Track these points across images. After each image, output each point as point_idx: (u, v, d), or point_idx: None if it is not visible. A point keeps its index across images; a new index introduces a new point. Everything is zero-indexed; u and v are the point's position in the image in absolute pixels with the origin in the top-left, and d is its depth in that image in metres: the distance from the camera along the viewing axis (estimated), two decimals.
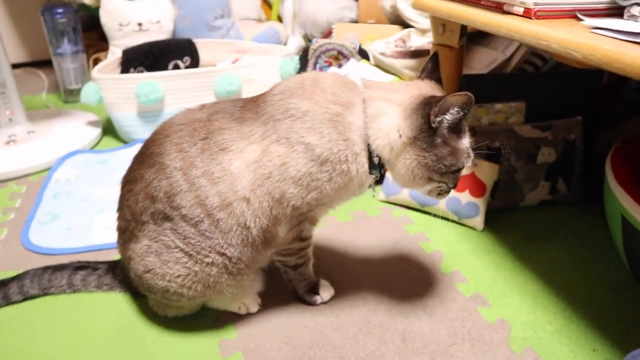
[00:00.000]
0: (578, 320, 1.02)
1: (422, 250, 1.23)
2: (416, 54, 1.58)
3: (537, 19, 0.97)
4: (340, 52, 1.85)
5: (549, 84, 1.40)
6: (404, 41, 1.75)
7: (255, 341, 0.98)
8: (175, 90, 1.77)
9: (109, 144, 1.87)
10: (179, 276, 0.91)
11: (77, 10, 2.24)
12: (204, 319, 1.03)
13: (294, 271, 1.03)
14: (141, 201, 0.92)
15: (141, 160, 0.94)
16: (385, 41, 1.76)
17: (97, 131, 1.89)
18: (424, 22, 1.76)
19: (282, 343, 0.97)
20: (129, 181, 0.96)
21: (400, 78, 1.61)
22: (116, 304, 1.07)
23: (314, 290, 1.06)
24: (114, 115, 1.80)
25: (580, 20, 0.95)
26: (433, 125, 0.82)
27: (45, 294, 1.09)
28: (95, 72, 1.81)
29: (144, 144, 0.96)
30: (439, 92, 0.90)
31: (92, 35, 2.67)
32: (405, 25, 1.90)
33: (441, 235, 1.29)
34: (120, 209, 1.00)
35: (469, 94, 0.79)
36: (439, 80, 0.94)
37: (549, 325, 1.01)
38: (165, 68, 2.01)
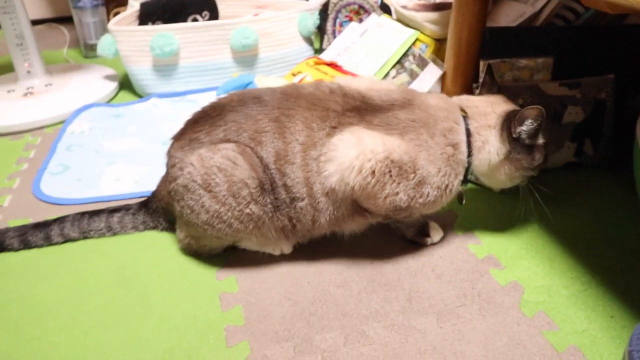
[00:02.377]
0: (597, 286, 0.97)
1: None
2: (439, 6, 1.50)
3: None
4: (361, 6, 1.78)
5: (580, 38, 1.31)
6: None
7: (256, 295, 0.95)
8: (191, 44, 1.73)
9: (125, 98, 1.85)
10: (240, 211, 0.93)
11: None
12: (206, 271, 1.02)
13: (401, 223, 1.05)
14: (239, 133, 0.93)
15: (260, 106, 0.95)
16: None
17: (114, 85, 1.87)
18: None
19: (283, 298, 0.95)
20: (234, 108, 0.96)
21: (421, 32, 1.54)
22: (120, 255, 1.06)
23: (424, 232, 1.08)
24: (130, 68, 1.77)
25: None
26: (515, 137, 0.95)
27: (85, 238, 1.11)
28: (111, 24, 1.78)
29: (280, 91, 0.98)
30: (512, 105, 1.02)
31: None
32: None
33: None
34: (205, 120, 0.98)
35: (540, 108, 0.92)
36: (499, 91, 1.06)
37: (565, 290, 0.96)
38: (184, 22, 1.97)
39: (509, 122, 0.95)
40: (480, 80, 1.23)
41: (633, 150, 1.10)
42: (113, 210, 1.12)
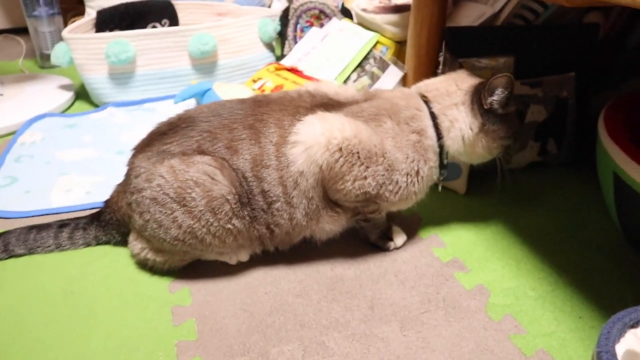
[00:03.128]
0: (564, 286, 0.94)
1: (399, 212, 1.14)
2: (399, 9, 1.48)
3: None
4: (321, 11, 1.75)
5: (541, 37, 1.30)
6: None
7: (211, 307, 0.90)
8: (148, 51, 1.67)
9: (81, 108, 1.78)
10: (219, 227, 0.90)
11: None
12: (158, 283, 0.96)
13: (367, 223, 1.01)
14: (214, 143, 0.91)
15: (233, 115, 0.94)
16: None
17: (69, 95, 1.80)
18: None
19: (239, 310, 0.89)
20: (207, 118, 0.94)
21: (381, 34, 1.52)
22: (66, 269, 1.00)
23: (387, 236, 1.04)
24: (85, 77, 1.70)
25: None
26: (487, 108, 0.94)
27: (31, 253, 1.03)
28: (65, 32, 1.71)
29: (251, 99, 0.98)
30: (476, 78, 1.00)
31: None
32: None
33: (432, 190, 1.20)
34: (174, 132, 0.94)
35: (509, 75, 0.91)
36: (461, 67, 1.05)
37: (532, 292, 0.93)
38: None
39: (478, 95, 0.94)
40: (441, 58, 1.22)
41: (596, 147, 1.08)
42: (62, 225, 1.05)
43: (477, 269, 0.99)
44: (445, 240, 1.06)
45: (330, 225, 0.95)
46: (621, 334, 0.59)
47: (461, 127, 0.95)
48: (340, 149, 0.87)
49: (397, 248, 1.03)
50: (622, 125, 1.04)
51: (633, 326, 0.60)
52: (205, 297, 0.92)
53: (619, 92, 1.46)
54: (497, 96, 0.93)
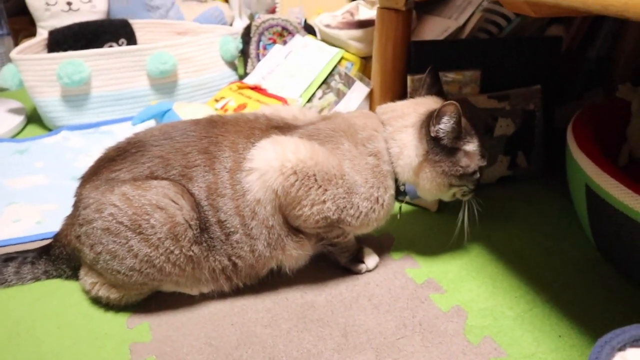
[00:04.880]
0: (542, 304, 0.91)
1: (369, 233, 1.10)
2: (362, 24, 1.45)
3: None
4: (284, 28, 1.72)
5: (506, 50, 1.29)
6: (352, 14, 1.62)
7: (172, 343, 0.83)
8: (103, 71, 1.60)
9: (34, 132, 1.69)
10: (179, 254, 0.84)
11: None
12: (115, 319, 0.89)
13: (334, 247, 0.97)
14: (168, 169, 0.85)
15: (187, 138, 0.89)
16: (332, 14, 1.63)
17: (20, 119, 1.71)
18: None
19: (203, 344, 0.83)
20: (159, 142, 0.88)
21: (346, 50, 1.49)
22: (13, 307, 0.92)
23: (358, 258, 0.99)
24: (36, 99, 1.62)
25: None
26: (433, 135, 0.87)
27: None
28: (14, 53, 1.63)
29: (205, 120, 0.93)
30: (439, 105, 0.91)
31: (22, 19, 2.46)
32: None
33: (392, 216, 1.16)
34: (123, 158, 0.88)
35: (454, 102, 0.84)
36: (440, 93, 0.98)
37: (510, 311, 0.90)
38: None
39: (428, 120, 0.88)
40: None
41: (565, 159, 1.07)
42: (8, 259, 0.97)
43: (452, 289, 0.95)
44: (419, 261, 1.02)
45: (297, 251, 0.90)
46: (610, 358, 0.56)
47: (409, 153, 0.89)
48: (295, 172, 0.82)
49: (369, 270, 0.99)
50: (591, 136, 1.02)
51: (621, 349, 0.57)
52: (166, 332, 0.86)
53: (582, 104, 1.46)
54: (444, 125, 0.86)
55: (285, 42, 1.70)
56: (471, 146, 0.90)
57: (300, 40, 1.61)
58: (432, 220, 1.16)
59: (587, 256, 1.03)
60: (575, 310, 0.90)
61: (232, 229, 0.85)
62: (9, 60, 2.05)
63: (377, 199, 0.89)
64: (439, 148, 0.88)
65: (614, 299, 0.92)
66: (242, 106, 1.47)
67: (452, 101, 0.84)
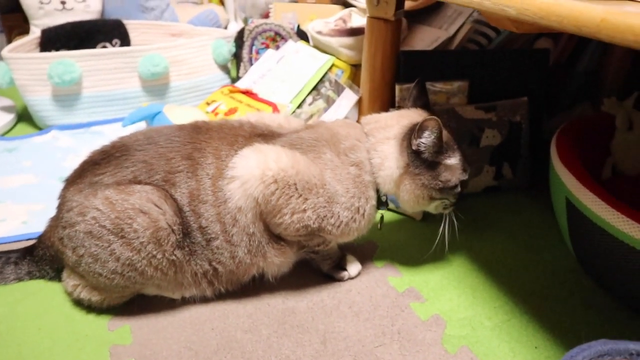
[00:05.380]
0: (520, 314, 0.92)
1: (352, 241, 1.11)
2: (354, 32, 1.46)
3: None
4: (277, 33, 1.73)
5: (494, 62, 1.31)
6: (344, 21, 1.63)
7: (152, 346, 0.84)
8: (95, 72, 1.61)
9: (24, 131, 1.69)
10: (162, 259, 0.84)
11: None
12: (96, 321, 0.89)
13: (317, 254, 0.97)
14: (151, 174, 0.86)
15: (171, 143, 0.89)
16: (324, 21, 1.64)
17: (10, 117, 1.71)
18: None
19: (182, 348, 0.84)
20: (143, 147, 0.89)
21: (337, 57, 1.50)
22: None
23: (340, 266, 1.00)
24: (27, 98, 1.62)
25: None
26: (414, 148, 0.87)
27: None
28: (5, 51, 1.63)
29: (190, 126, 0.93)
30: (423, 118, 0.91)
31: (17, 16, 2.46)
32: (346, 5, 1.79)
33: (374, 225, 1.17)
34: (107, 161, 0.88)
35: (435, 118, 0.85)
36: (425, 106, 0.98)
37: (488, 321, 0.91)
38: None
39: (410, 133, 0.88)
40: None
41: (549, 170, 1.08)
42: None
43: (433, 298, 0.96)
44: (401, 269, 1.03)
45: (279, 258, 0.91)
46: None
47: (390, 165, 0.90)
48: (276, 181, 0.83)
49: (351, 278, 1.00)
50: (574, 150, 1.04)
51: None
52: (147, 336, 0.86)
53: (569, 117, 1.48)
54: (425, 139, 0.86)
55: (277, 47, 1.71)
56: (452, 160, 0.90)
57: (293, 46, 1.62)
58: (416, 229, 1.17)
59: (567, 268, 1.04)
60: (553, 321, 0.91)
61: (213, 235, 0.86)
62: (1, 58, 2.06)
63: (358, 208, 0.90)
64: (419, 161, 0.89)
65: (592, 312, 0.93)
66: (233, 110, 1.47)
67: (433, 117, 0.85)
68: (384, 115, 0.97)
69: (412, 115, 0.95)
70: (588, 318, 0.92)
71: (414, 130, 0.88)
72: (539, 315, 0.92)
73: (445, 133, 0.89)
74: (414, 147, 0.88)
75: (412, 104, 0.99)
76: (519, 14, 0.70)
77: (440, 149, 0.89)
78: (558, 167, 1.00)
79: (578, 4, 0.62)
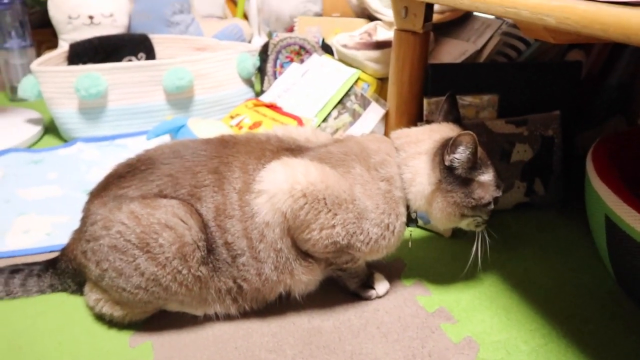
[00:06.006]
0: (557, 338, 0.88)
1: (379, 259, 1.08)
2: (380, 45, 1.44)
3: None
4: (302, 47, 1.72)
5: (524, 75, 1.27)
6: (369, 35, 1.62)
7: None
8: (120, 85, 1.61)
9: (50, 143, 1.70)
10: (187, 274, 0.82)
11: (24, 3, 2.08)
12: (117, 337, 0.87)
13: (344, 272, 0.94)
14: (177, 189, 0.84)
15: (197, 157, 0.87)
16: (350, 34, 1.62)
17: (37, 129, 1.72)
18: (392, 15, 1.62)
19: None
20: (169, 161, 0.87)
21: (363, 71, 1.48)
22: (16, 319, 0.91)
23: (368, 284, 0.97)
24: (54, 111, 1.63)
25: None
26: (447, 164, 0.85)
27: None
28: (34, 64, 1.64)
29: (216, 139, 0.92)
30: (456, 133, 0.88)
31: (46, 31, 2.50)
32: (372, 18, 1.78)
33: (403, 242, 1.14)
34: (133, 175, 0.87)
35: (471, 133, 0.82)
36: (457, 120, 0.96)
37: (524, 345, 0.86)
38: None
39: (443, 149, 0.86)
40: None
41: (584, 188, 1.04)
42: (14, 271, 0.96)
43: (464, 319, 0.92)
44: (430, 288, 1.00)
45: (307, 276, 0.88)
46: None
47: (422, 180, 0.87)
48: (305, 195, 0.81)
49: (379, 297, 0.96)
50: (611, 165, 1.00)
51: None
52: (169, 353, 0.84)
53: (601, 131, 1.43)
54: (459, 154, 0.84)
55: (302, 61, 1.70)
56: (486, 177, 0.88)
57: (318, 60, 1.61)
58: (445, 246, 1.13)
59: (606, 289, 1.00)
60: (593, 347, 0.86)
61: (239, 251, 0.83)
62: (30, 71, 2.09)
63: (388, 225, 0.87)
64: (452, 177, 0.86)
65: (636, 337, 0.88)
66: (257, 124, 1.46)
67: (469, 131, 0.82)
68: (414, 129, 0.94)
69: (443, 130, 0.92)
70: (631, 344, 0.87)
71: (447, 145, 0.85)
72: (578, 340, 0.87)
73: (479, 149, 0.86)
74: (446, 163, 0.85)
75: (443, 118, 0.96)
76: (559, 23, 0.67)
77: (474, 165, 0.86)
78: (596, 183, 0.96)
79: (625, 10, 0.58)
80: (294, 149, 0.91)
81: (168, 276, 0.81)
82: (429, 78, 1.24)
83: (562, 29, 0.67)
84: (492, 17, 1.53)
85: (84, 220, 0.88)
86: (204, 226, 0.83)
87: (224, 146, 0.89)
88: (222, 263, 0.84)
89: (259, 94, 1.82)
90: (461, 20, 1.50)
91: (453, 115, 0.96)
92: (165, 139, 1.55)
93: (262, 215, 0.82)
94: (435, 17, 1.43)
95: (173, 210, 0.81)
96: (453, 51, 1.42)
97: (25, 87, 1.62)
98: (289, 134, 0.96)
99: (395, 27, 1.23)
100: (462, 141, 0.84)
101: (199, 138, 0.95)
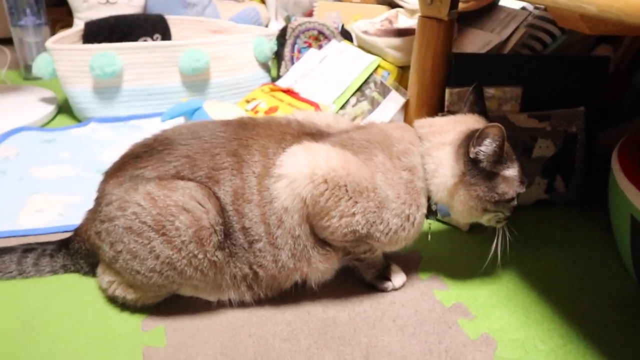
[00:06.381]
0: (577, 340, 0.86)
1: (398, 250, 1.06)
2: (402, 32, 1.41)
3: None
4: (320, 32, 1.69)
5: (550, 68, 1.24)
6: (390, 22, 1.58)
7: (187, 350, 0.80)
8: (136, 65, 1.59)
9: (63, 122, 1.69)
10: (203, 259, 0.81)
11: None
12: (130, 320, 0.86)
13: (361, 262, 0.92)
14: (194, 170, 0.83)
15: (216, 138, 0.85)
16: (370, 21, 1.59)
17: (51, 108, 1.71)
18: (414, 2, 1.60)
19: (218, 354, 0.80)
20: (187, 141, 0.85)
21: (383, 58, 1.45)
22: (28, 299, 0.90)
23: (384, 275, 0.95)
24: (68, 90, 1.62)
25: None
26: (472, 156, 0.83)
27: None
28: (49, 42, 1.63)
29: (236, 121, 0.90)
30: (482, 125, 0.87)
31: (61, 10, 2.49)
32: (393, 5, 1.74)
33: (421, 235, 1.12)
34: (149, 155, 0.86)
35: (499, 125, 0.80)
36: (483, 112, 0.93)
37: (543, 345, 0.84)
38: None
39: (468, 140, 0.84)
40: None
41: (608, 186, 1.01)
42: (27, 250, 0.95)
43: (482, 315, 0.90)
44: (448, 282, 0.98)
45: (324, 264, 0.86)
46: None
47: (445, 172, 0.85)
48: (326, 181, 0.79)
49: (395, 289, 0.94)
50: (638, 164, 0.97)
51: None
52: (181, 339, 0.82)
53: (626, 129, 1.40)
54: (485, 147, 0.82)
55: (320, 47, 1.67)
56: (511, 172, 0.85)
57: (336, 46, 1.58)
58: (462, 240, 1.11)
59: (627, 292, 0.97)
60: (613, 350, 0.84)
61: (256, 237, 0.82)
62: (45, 49, 2.07)
63: (409, 216, 0.85)
64: (476, 170, 0.84)
65: None
66: (274, 109, 1.44)
67: (496, 124, 0.80)
68: (439, 119, 0.92)
69: (469, 121, 0.90)
70: None
71: (473, 137, 0.82)
72: (598, 343, 0.85)
73: (506, 143, 0.83)
74: (471, 155, 0.83)
75: (468, 110, 0.94)
76: (600, 12, 0.64)
77: (500, 158, 0.83)
78: (622, 182, 0.93)
79: None
80: (315, 134, 0.89)
81: (183, 260, 0.79)
82: (452, 68, 1.21)
83: (603, 18, 0.65)
84: (517, 7, 1.49)
85: (98, 201, 0.87)
86: (222, 210, 0.81)
87: (244, 128, 0.87)
88: (239, 248, 0.82)
89: (275, 79, 1.80)
90: (486, 10, 1.46)
91: (479, 107, 0.94)
92: (180, 121, 1.54)
93: (281, 201, 0.80)
94: (460, 6, 1.39)
95: (191, 193, 0.79)
96: (477, 41, 1.39)
97: (40, 65, 1.61)
98: (309, 118, 0.94)
99: (419, 14, 1.19)
100: (489, 133, 0.81)
101: (218, 120, 0.93)
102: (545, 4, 0.73)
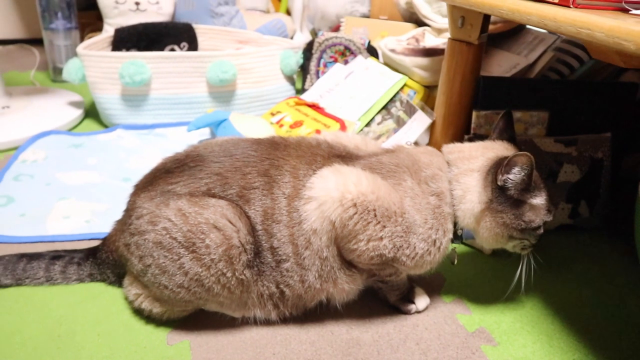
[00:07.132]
0: None
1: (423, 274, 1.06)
2: (429, 52, 1.42)
3: (576, 7, 0.81)
4: (347, 48, 1.70)
5: (576, 93, 1.24)
6: (417, 40, 1.59)
7: None
8: (164, 74, 1.61)
9: (90, 127, 1.71)
10: (231, 277, 0.81)
11: None
12: (156, 333, 0.87)
13: (385, 284, 0.93)
14: (225, 189, 0.84)
15: (247, 157, 0.87)
16: (397, 38, 1.60)
17: (78, 112, 1.74)
18: (441, 21, 1.60)
19: None
20: (218, 159, 0.86)
21: (409, 77, 1.46)
22: (55, 307, 0.91)
23: (408, 298, 0.95)
24: (96, 96, 1.65)
25: (628, 11, 0.79)
26: (499, 184, 0.83)
27: (18, 285, 0.95)
28: (80, 47, 1.66)
29: (267, 141, 0.91)
30: (511, 153, 0.88)
31: (91, 14, 2.53)
32: (420, 23, 1.75)
33: (445, 259, 1.12)
34: (181, 171, 0.87)
35: (527, 154, 0.80)
36: (512, 139, 0.94)
37: None
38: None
39: (496, 168, 0.84)
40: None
41: (635, 212, 1.01)
42: (55, 257, 0.97)
43: (505, 342, 0.90)
44: (471, 307, 0.98)
45: (349, 285, 0.87)
46: None
47: (472, 198, 0.85)
48: (355, 205, 0.79)
49: (418, 312, 0.95)
50: None
51: None
52: (206, 354, 0.83)
53: None
54: (513, 175, 0.82)
55: (346, 62, 1.68)
56: (538, 200, 0.85)
57: (362, 62, 1.59)
58: (485, 263, 1.11)
59: None
60: None
61: (284, 257, 0.83)
62: (75, 53, 2.11)
63: (435, 241, 0.85)
64: (503, 198, 0.84)
65: None
66: (299, 123, 1.45)
67: (525, 152, 0.80)
68: (468, 145, 0.92)
69: (498, 148, 0.90)
70: None
71: (502, 165, 0.83)
72: None
73: (535, 171, 0.83)
74: (499, 183, 0.83)
75: (497, 136, 0.94)
76: (639, 49, 0.65)
77: (527, 187, 0.83)
78: None
79: None
80: (345, 156, 0.89)
81: (212, 278, 0.80)
82: (479, 90, 1.21)
83: (635, 59, 0.65)
84: (545, 30, 1.49)
85: (128, 213, 0.88)
86: (252, 229, 0.82)
87: (275, 148, 0.88)
88: (267, 267, 0.83)
89: (299, 92, 1.81)
90: (513, 32, 1.46)
91: (508, 134, 0.94)
92: (205, 132, 1.56)
93: (310, 222, 0.81)
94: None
95: (222, 211, 0.80)
96: (504, 63, 1.39)
97: (70, 69, 1.64)
98: (338, 139, 0.94)
99: (448, 35, 1.20)
100: (518, 162, 0.81)
101: (249, 137, 0.94)
102: (582, 38, 0.73)
